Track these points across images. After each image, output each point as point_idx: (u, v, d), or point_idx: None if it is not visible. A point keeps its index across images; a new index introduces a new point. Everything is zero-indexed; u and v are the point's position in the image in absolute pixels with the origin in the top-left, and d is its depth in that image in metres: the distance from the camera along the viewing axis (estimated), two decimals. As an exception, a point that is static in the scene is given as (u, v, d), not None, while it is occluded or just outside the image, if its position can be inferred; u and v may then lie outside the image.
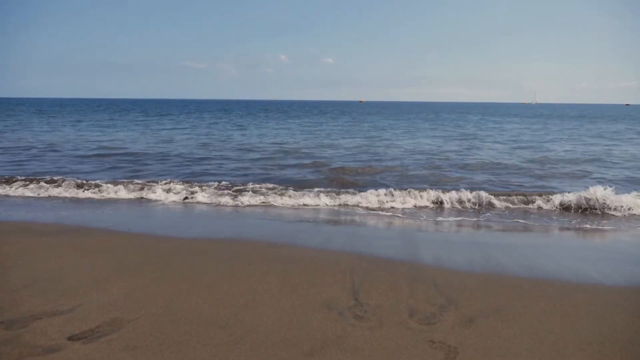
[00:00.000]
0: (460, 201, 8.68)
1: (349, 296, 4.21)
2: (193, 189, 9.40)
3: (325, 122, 40.11)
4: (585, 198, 8.46)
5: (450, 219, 7.69)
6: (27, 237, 6.08)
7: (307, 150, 17.46)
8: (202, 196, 8.93)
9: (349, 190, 9.50)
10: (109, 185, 9.82)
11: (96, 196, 9.22)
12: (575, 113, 79.62)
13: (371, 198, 8.66)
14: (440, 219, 7.67)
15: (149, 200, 8.90)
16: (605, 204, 8.31)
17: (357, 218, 7.55)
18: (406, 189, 9.20)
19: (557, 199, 8.70)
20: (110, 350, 3.19)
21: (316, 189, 9.45)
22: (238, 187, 9.66)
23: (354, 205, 8.58)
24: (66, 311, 3.77)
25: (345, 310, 3.90)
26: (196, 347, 3.27)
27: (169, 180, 10.42)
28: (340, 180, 10.93)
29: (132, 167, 13.15)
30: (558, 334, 3.56)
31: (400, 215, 7.85)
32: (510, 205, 8.69)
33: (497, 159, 15.52)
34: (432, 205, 8.69)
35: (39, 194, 9.35)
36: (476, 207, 8.50)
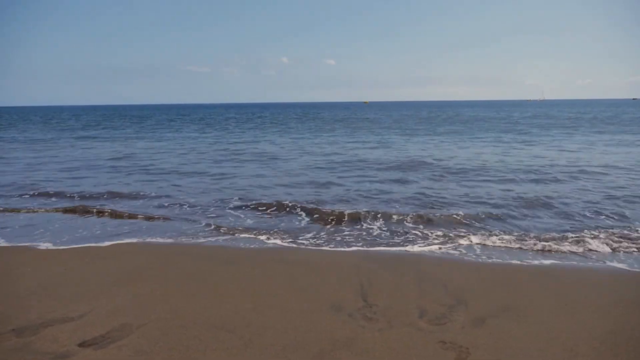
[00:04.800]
0: None
1: (358, 297, 4.20)
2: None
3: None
4: None
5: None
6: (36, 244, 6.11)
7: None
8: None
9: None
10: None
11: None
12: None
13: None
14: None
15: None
16: None
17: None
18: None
19: None
20: (120, 356, 3.19)
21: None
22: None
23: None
24: (76, 317, 3.79)
25: (354, 312, 3.88)
26: (205, 351, 3.26)
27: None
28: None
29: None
30: (569, 332, 3.53)
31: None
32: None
33: None
34: None
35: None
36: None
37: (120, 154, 17.30)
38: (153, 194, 9.58)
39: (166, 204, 8.60)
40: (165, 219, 7.56)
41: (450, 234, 6.47)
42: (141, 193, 9.70)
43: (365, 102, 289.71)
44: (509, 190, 9.59)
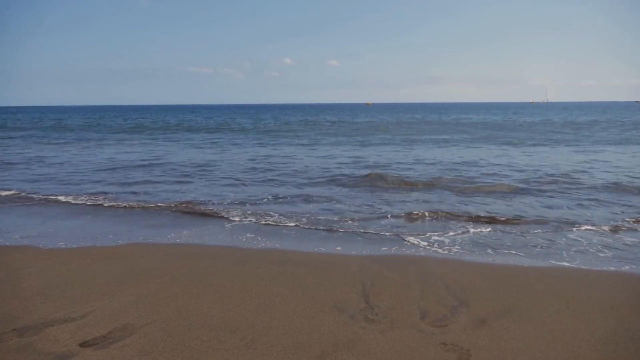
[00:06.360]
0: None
1: (360, 299, 4.19)
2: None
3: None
4: None
5: None
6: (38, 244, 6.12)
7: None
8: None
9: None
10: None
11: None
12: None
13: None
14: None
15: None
16: None
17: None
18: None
19: None
20: (122, 356, 3.19)
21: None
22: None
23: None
24: (78, 317, 3.79)
25: (356, 313, 3.87)
26: (207, 352, 3.26)
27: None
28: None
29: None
30: (572, 334, 3.51)
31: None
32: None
33: None
34: None
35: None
36: None
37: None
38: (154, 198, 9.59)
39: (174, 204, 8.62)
40: (173, 215, 7.58)
41: (451, 234, 6.46)
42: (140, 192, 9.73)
43: (367, 104, 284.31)
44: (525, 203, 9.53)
